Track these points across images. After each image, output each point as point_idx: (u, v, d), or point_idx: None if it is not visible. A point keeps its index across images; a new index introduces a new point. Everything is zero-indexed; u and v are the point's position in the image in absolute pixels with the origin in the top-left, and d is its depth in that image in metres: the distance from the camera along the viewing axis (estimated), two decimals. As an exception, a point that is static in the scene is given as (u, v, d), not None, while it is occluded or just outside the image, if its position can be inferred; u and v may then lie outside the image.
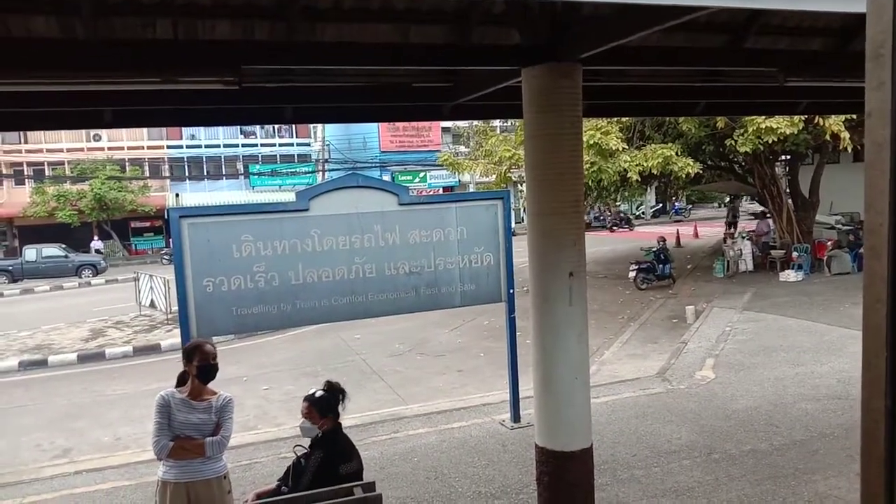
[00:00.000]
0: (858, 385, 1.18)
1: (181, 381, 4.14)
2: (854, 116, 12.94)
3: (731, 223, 26.25)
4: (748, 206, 33.26)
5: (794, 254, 17.17)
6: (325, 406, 4.02)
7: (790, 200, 18.49)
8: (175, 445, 3.94)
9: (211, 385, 4.10)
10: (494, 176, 19.74)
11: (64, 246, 29.17)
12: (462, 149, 35.57)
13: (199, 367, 4.02)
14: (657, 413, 7.62)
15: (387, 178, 33.63)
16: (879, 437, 1.13)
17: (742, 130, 14.44)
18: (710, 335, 11.24)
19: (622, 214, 40.61)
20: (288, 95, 5.17)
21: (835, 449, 6.35)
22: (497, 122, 29.32)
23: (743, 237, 19.05)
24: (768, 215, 19.18)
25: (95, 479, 6.64)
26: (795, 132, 13.98)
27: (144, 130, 36.23)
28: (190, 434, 3.97)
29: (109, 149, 35.92)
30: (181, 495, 4.00)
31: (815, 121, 13.81)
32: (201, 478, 4.02)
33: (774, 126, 13.70)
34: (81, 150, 35.50)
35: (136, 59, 3.61)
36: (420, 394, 9.29)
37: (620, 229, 37.49)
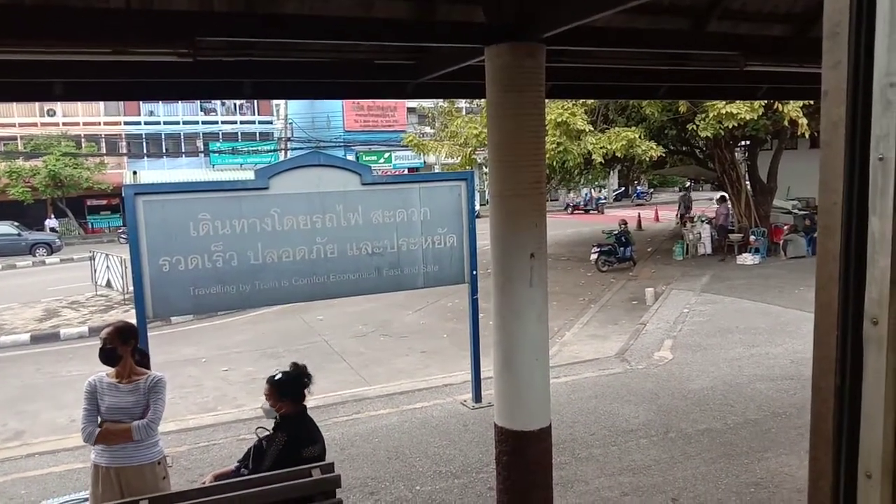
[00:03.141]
0: (811, 365, 1.18)
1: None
2: (812, 102, 13.18)
3: (684, 214, 24.62)
4: (702, 193, 32.81)
5: (752, 238, 17.54)
6: (284, 389, 3.93)
7: (749, 185, 18.84)
8: (102, 431, 3.86)
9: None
10: (459, 158, 19.70)
11: (17, 224, 28.32)
12: (428, 130, 35.38)
13: (98, 350, 3.98)
14: (616, 393, 7.73)
15: (351, 157, 33.29)
16: (828, 415, 1.14)
17: (703, 115, 14.63)
18: (669, 317, 11.43)
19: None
20: (247, 70, 5.03)
21: (787, 427, 6.52)
22: (463, 104, 29.20)
23: (702, 221, 19.36)
24: (726, 199, 19.53)
25: (49, 461, 6.49)
26: (755, 118, 14.21)
27: (101, 106, 35.28)
28: (119, 419, 3.89)
29: (64, 124, 34.86)
30: (110, 481, 3.93)
31: (775, 107, 14.06)
32: (131, 464, 3.94)
33: (735, 111, 13.90)
34: (35, 125, 34.40)
35: (85, 28, 3.46)
36: (382, 375, 9.27)
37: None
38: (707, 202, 26.10)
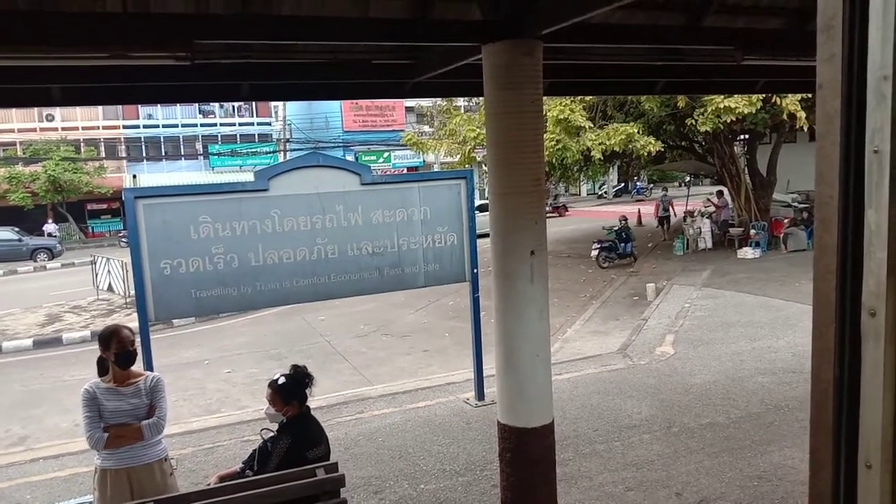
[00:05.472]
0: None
1: (102, 369, 4.00)
2: (810, 96, 13.17)
3: (664, 217, 22.22)
4: (701, 188, 30.87)
5: (752, 231, 17.54)
6: (288, 393, 3.92)
7: (748, 179, 18.84)
8: (111, 435, 3.85)
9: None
10: (458, 156, 19.70)
11: (17, 229, 28.33)
12: (426, 128, 35.35)
13: (117, 354, 3.91)
14: (618, 389, 7.74)
15: (350, 158, 33.26)
16: (828, 407, 1.15)
17: (702, 110, 14.62)
18: (670, 312, 11.43)
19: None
20: (244, 72, 5.04)
21: (789, 421, 6.52)
22: (461, 102, 29.17)
23: (702, 215, 19.36)
24: (723, 194, 19.48)
25: (53, 466, 6.50)
26: (753, 112, 14.21)
27: (99, 110, 35.26)
28: (125, 421, 3.89)
29: (63, 129, 34.86)
30: (122, 482, 3.92)
31: (773, 100, 14.06)
32: (141, 463, 3.95)
33: (733, 106, 13.90)
34: (34, 130, 34.40)
35: (83, 33, 3.47)
36: (385, 374, 9.28)
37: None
38: (707, 195, 25.42)
